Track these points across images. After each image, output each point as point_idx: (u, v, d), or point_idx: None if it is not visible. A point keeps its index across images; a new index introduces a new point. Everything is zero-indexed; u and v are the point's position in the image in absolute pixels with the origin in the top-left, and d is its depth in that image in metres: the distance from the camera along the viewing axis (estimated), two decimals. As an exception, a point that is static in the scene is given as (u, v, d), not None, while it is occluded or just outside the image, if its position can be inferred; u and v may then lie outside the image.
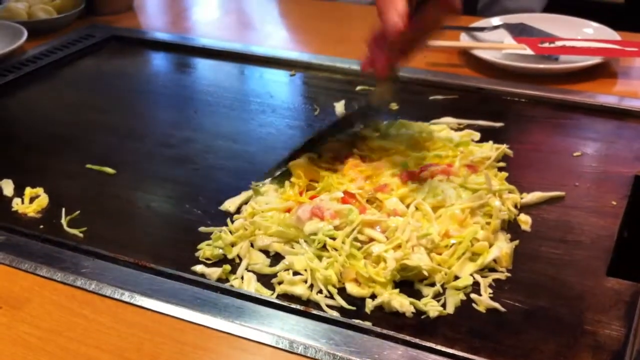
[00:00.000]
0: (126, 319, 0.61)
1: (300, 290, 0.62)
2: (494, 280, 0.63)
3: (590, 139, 0.86)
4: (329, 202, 0.69)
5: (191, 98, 1.04)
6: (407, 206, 0.69)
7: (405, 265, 0.62)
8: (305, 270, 0.64)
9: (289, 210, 0.70)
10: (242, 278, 0.65)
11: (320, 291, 0.62)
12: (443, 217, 0.67)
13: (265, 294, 0.62)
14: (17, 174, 0.84)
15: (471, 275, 0.63)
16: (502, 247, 0.65)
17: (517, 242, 0.67)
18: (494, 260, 0.64)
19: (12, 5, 1.29)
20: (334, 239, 0.65)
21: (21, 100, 1.07)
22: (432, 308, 0.60)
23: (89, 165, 0.85)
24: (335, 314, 0.60)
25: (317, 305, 0.61)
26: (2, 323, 0.61)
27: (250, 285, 0.63)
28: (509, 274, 0.64)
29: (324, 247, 0.65)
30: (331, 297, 0.62)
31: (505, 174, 0.76)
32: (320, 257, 0.65)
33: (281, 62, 1.11)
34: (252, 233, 0.69)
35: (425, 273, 0.63)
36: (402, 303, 0.60)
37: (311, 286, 0.63)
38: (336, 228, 0.66)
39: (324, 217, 0.67)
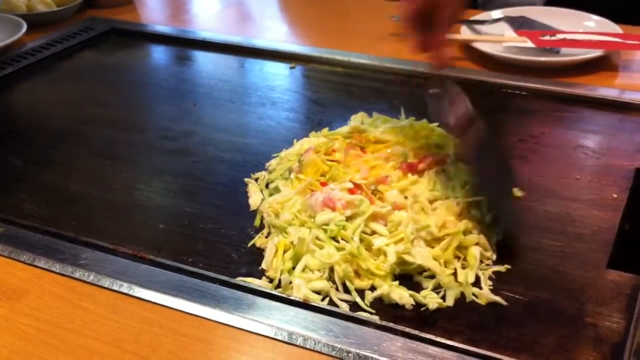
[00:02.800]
0: (125, 311, 0.61)
1: (320, 285, 0.62)
2: (494, 272, 0.63)
3: (592, 131, 0.86)
4: (340, 193, 0.68)
5: (191, 91, 1.04)
6: (406, 198, 0.69)
7: (404, 260, 0.62)
8: (320, 270, 0.63)
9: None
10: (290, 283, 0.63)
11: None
12: (440, 209, 0.67)
13: (316, 299, 0.61)
14: (17, 167, 0.84)
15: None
16: (484, 243, 0.65)
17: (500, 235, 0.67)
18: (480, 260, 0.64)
19: (12, -3, 1.28)
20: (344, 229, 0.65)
21: (20, 92, 1.06)
22: (432, 300, 0.60)
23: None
24: (344, 306, 0.60)
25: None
26: (0, 314, 0.61)
27: (301, 292, 0.62)
28: (509, 267, 0.64)
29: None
30: (345, 291, 0.62)
31: None
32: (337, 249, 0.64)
33: (281, 55, 1.11)
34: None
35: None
36: (401, 295, 0.60)
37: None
38: (347, 219, 0.66)
39: (336, 208, 0.67)
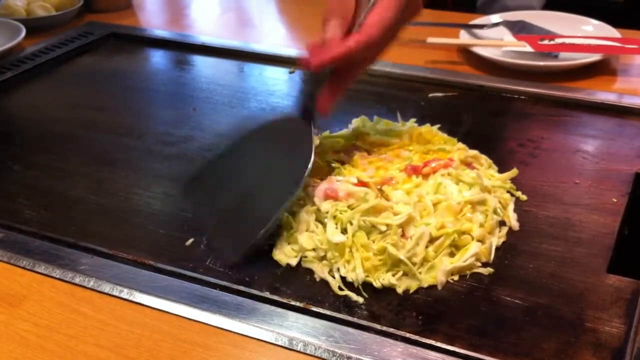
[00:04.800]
0: (125, 316, 0.61)
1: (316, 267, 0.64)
2: (495, 276, 0.63)
3: (591, 136, 0.86)
4: (344, 184, 0.68)
5: (190, 96, 1.04)
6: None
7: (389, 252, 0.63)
8: (315, 249, 0.65)
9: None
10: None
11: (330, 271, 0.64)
12: (440, 209, 0.67)
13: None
14: (16, 171, 0.84)
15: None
16: (484, 244, 0.65)
17: (504, 238, 0.67)
18: (476, 259, 0.64)
19: (11, 2, 1.28)
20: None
21: (19, 97, 1.06)
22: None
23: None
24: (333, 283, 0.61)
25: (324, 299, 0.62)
26: (0, 320, 0.61)
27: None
28: (491, 270, 0.64)
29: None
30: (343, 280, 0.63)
31: (515, 171, 0.75)
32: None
33: (280, 60, 1.11)
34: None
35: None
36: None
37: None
38: (350, 207, 0.66)
39: (338, 198, 0.67)
